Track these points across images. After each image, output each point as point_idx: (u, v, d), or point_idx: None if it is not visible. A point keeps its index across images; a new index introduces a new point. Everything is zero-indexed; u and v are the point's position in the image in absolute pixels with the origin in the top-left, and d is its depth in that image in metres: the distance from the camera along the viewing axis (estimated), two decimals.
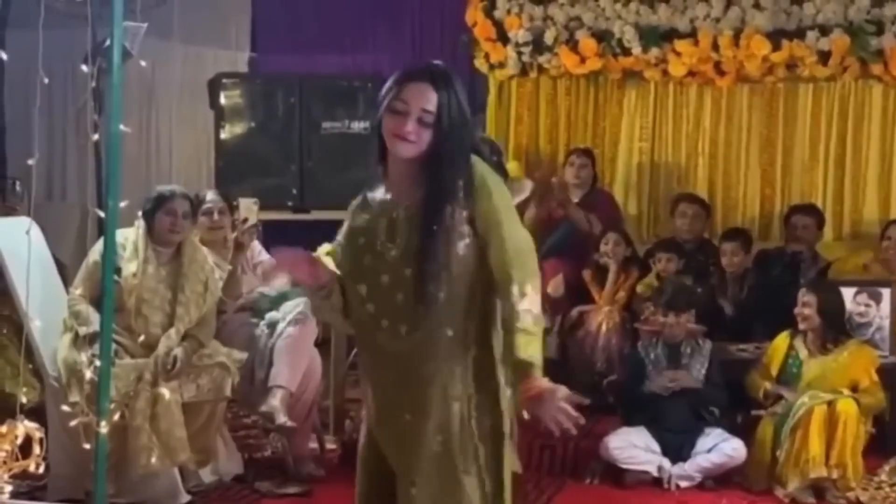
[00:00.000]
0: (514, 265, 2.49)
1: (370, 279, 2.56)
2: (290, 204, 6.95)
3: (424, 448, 2.57)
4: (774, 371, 5.04)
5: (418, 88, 2.50)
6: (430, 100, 2.50)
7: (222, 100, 7.17)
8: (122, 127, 3.21)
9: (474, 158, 2.58)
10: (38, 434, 3.02)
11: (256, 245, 5.17)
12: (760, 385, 5.02)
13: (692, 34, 6.52)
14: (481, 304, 2.59)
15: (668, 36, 6.55)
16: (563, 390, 2.48)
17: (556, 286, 6.06)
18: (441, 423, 2.56)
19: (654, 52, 6.58)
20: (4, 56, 2.98)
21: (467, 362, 2.58)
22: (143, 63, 3.89)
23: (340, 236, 2.69)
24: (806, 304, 4.95)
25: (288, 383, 4.67)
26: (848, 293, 5.25)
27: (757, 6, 6.44)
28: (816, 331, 4.95)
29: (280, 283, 5.03)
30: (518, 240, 2.55)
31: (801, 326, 4.98)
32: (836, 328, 4.99)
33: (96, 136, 3.28)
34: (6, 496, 2.96)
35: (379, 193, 2.62)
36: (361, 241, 2.60)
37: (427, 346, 2.54)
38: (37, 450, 3.07)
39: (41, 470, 3.15)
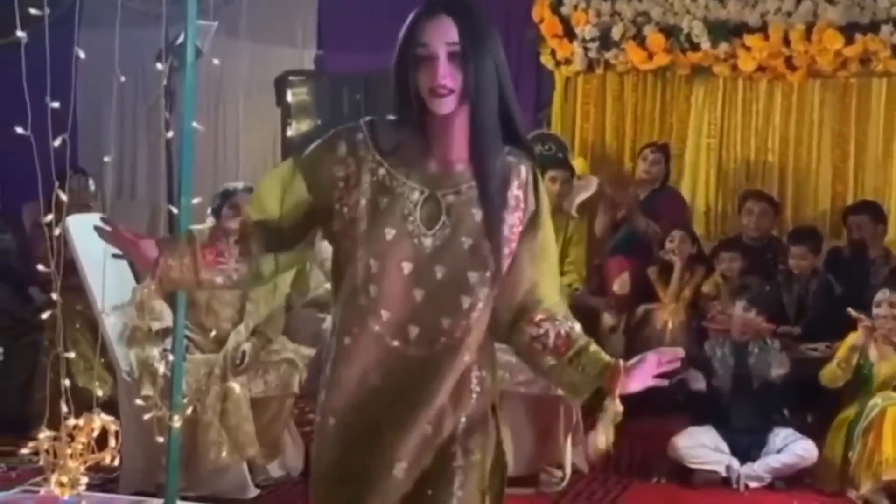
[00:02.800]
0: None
1: (386, 260, 2.07)
2: None
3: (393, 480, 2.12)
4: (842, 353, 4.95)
5: (436, 23, 2.06)
6: (453, 30, 2.05)
7: (289, 97, 7.23)
8: (194, 124, 3.24)
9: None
10: (113, 427, 3.07)
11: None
12: (833, 370, 4.90)
13: (762, 28, 6.41)
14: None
15: (737, 30, 6.46)
16: (646, 357, 2.16)
17: (623, 284, 6.03)
18: (423, 464, 2.13)
19: (724, 47, 6.49)
20: (82, 55, 3.01)
21: (473, 388, 2.15)
22: (215, 61, 3.91)
23: (334, 164, 2.14)
24: (884, 304, 4.85)
25: None
26: None
27: (830, 0, 6.33)
28: (893, 331, 4.86)
29: None
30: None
31: (881, 326, 4.86)
32: None
33: (170, 134, 3.32)
34: (83, 487, 3.01)
35: (410, 146, 2.12)
36: (385, 202, 2.09)
37: (436, 363, 2.10)
38: (112, 442, 3.12)
39: (116, 462, 3.19)
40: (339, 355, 2.14)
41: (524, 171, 2.14)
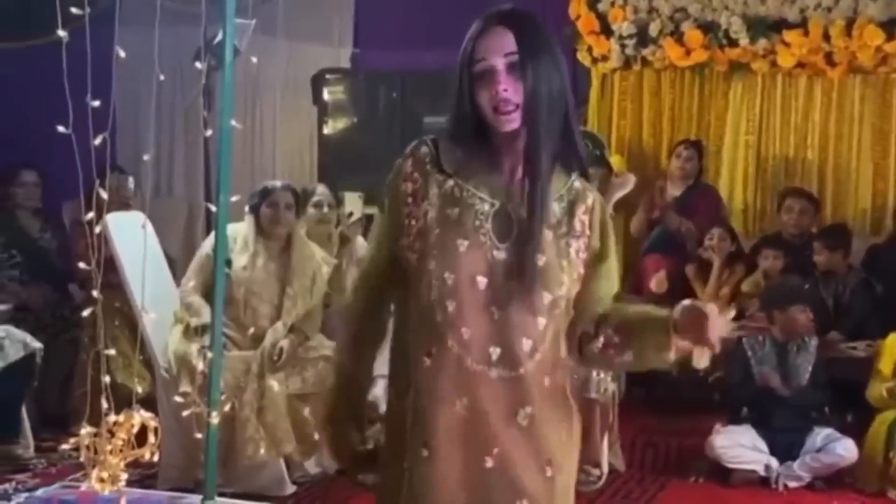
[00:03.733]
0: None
1: (461, 273, 1.99)
2: None
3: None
4: (888, 371, 4.89)
5: (493, 34, 1.99)
6: (510, 41, 1.98)
7: (325, 95, 7.26)
8: (232, 122, 3.25)
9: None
10: (153, 423, 3.08)
11: (360, 239, 5.22)
12: (880, 392, 4.88)
13: (802, 24, 6.35)
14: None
15: (776, 26, 6.40)
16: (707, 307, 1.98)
17: (660, 282, 6.00)
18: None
19: (762, 43, 6.43)
20: (123, 53, 3.03)
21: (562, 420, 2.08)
22: (253, 59, 3.93)
23: (407, 187, 2.06)
24: None
25: None
26: None
27: None
28: None
29: None
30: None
31: None
32: None
33: (209, 132, 3.33)
34: (122, 483, 3.03)
35: (477, 159, 2.04)
36: (455, 213, 2.01)
37: (520, 387, 2.01)
38: (152, 439, 3.12)
39: (156, 458, 3.21)
40: (421, 378, 2.03)
41: (591, 199, 2.09)
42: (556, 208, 2.04)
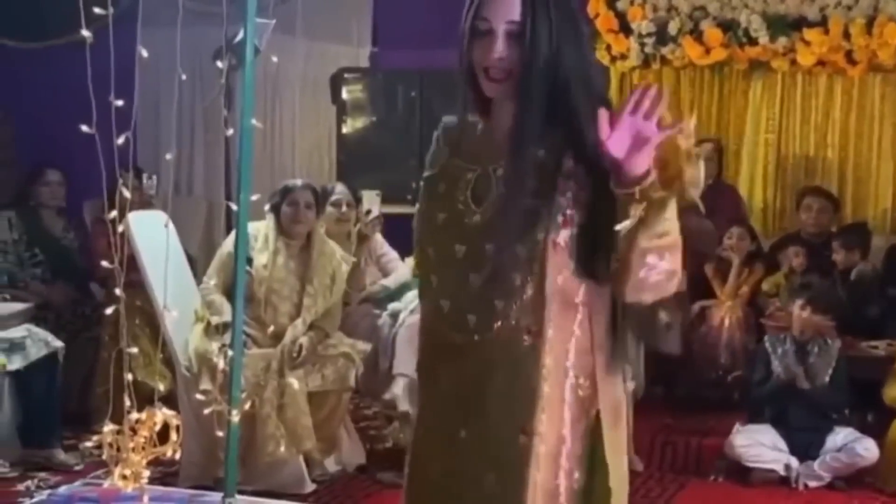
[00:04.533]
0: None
1: (442, 246, 1.97)
2: (409, 198, 6.99)
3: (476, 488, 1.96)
4: None
5: None
6: (515, 8, 1.90)
7: (344, 94, 7.27)
8: (253, 121, 3.26)
9: None
10: (175, 421, 3.09)
11: (378, 237, 5.23)
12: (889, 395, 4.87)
13: (822, 22, 6.33)
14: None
15: (796, 24, 6.37)
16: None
17: (678, 281, 5.96)
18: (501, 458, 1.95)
19: (782, 41, 6.40)
20: (145, 53, 3.04)
21: (565, 397, 1.94)
22: (274, 59, 3.94)
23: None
24: None
25: (410, 371, 4.71)
26: None
27: None
28: None
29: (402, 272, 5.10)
30: None
31: None
32: None
33: (230, 132, 3.34)
34: (145, 481, 3.04)
35: (469, 128, 2.03)
36: (441, 188, 2.01)
37: (491, 351, 1.93)
38: (174, 436, 3.13)
39: (178, 456, 3.22)
40: (421, 357, 2.08)
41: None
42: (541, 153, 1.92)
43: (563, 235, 1.90)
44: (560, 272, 1.91)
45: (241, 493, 3.64)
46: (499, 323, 1.91)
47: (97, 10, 3.00)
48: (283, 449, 4.43)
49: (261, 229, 4.67)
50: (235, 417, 3.34)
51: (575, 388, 1.94)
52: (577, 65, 1.92)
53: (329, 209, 5.07)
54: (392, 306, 5.01)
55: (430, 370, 2.04)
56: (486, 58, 1.91)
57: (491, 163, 1.96)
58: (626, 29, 6.75)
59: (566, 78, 1.91)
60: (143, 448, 3.18)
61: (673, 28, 6.63)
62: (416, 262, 2.07)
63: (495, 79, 1.92)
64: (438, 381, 2.01)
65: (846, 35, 6.27)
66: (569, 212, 1.90)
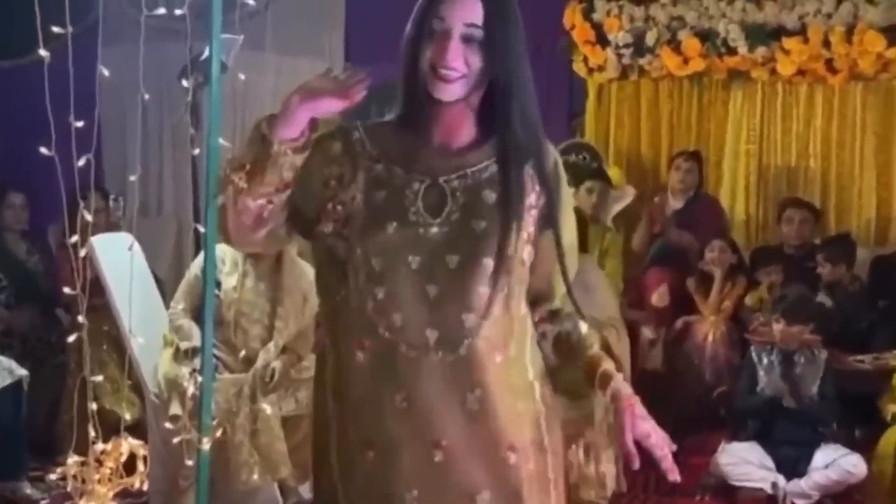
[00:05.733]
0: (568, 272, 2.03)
1: (390, 256, 1.88)
2: None
3: None
4: None
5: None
6: (475, 10, 1.88)
7: None
8: (220, 141, 3.16)
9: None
10: (142, 451, 3.01)
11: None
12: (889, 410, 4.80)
13: (801, 31, 6.26)
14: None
15: (775, 34, 6.32)
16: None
17: (661, 296, 5.91)
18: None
19: (762, 50, 6.34)
20: (106, 72, 2.95)
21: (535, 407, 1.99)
22: (241, 76, 3.84)
23: (315, 165, 1.98)
24: None
25: None
26: None
27: (870, 1, 6.16)
28: None
29: None
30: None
31: None
32: None
33: (197, 151, 3.24)
34: None
35: (408, 135, 1.97)
36: (382, 196, 1.92)
37: (468, 369, 1.89)
38: (141, 467, 3.05)
39: (146, 487, 3.13)
40: (355, 375, 1.92)
41: (550, 159, 2.01)
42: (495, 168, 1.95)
43: (528, 252, 1.94)
44: (524, 287, 1.95)
45: None
46: (468, 340, 1.87)
47: (56, 28, 2.92)
48: (256, 476, 4.31)
49: (227, 251, 4.54)
50: (206, 445, 3.24)
51: (542, 398, 1.99)
52: (524, 73, 1.94)
53: None
54: None
55: (379, 389, 1.90)
56: (441, 58, 1.88)
57: (441, 174, 1.93)
58: (602, 40, 6.68)
59: (520, 85, 1.92)
60: (110, 479, 3.12)
61: (650, 39, 6.56)
62: (348, 270, 1.92)
63: (447, 80, 1.89)
64: (394, 402, 1.89)
65: (826, 44, 6.22)
66: (531, 229, 1.94)
